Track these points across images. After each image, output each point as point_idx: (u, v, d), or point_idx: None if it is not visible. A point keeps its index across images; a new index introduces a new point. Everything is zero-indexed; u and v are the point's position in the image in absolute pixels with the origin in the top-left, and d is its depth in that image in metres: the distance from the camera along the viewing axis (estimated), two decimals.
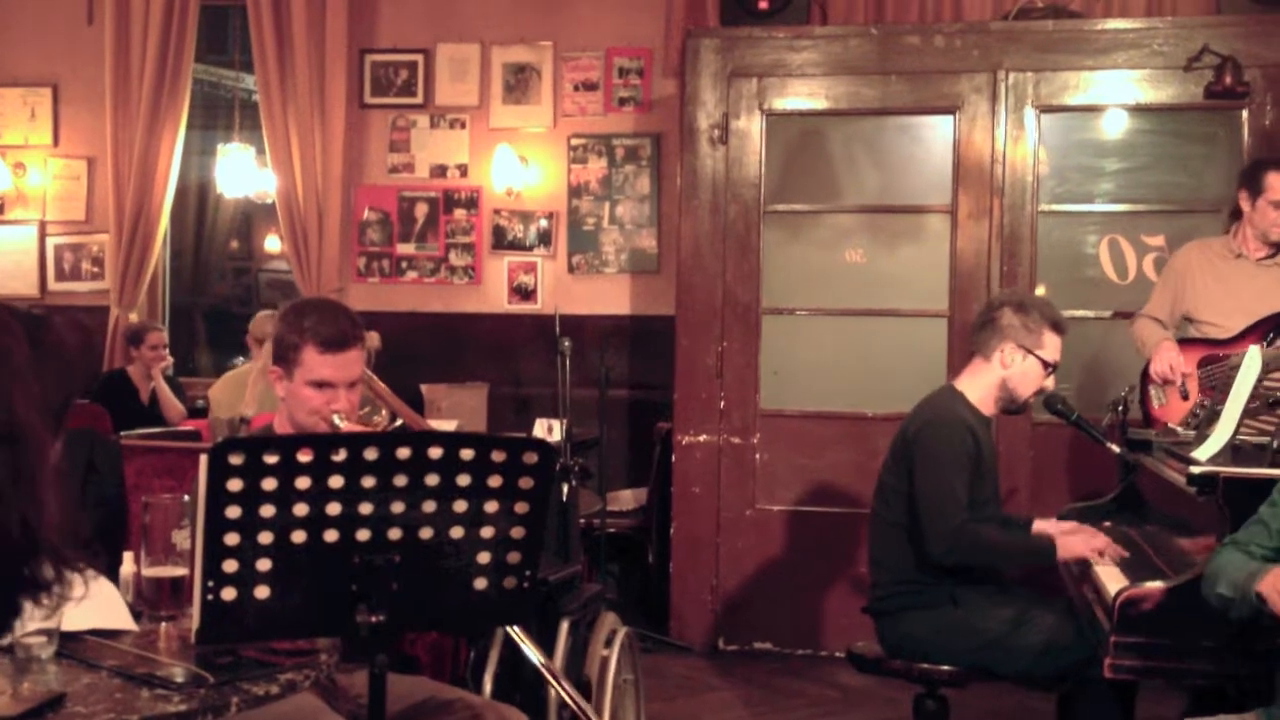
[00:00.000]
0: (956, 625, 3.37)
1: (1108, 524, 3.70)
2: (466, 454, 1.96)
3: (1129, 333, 4.59)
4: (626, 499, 6.26)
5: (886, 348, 5.57)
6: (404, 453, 1.91)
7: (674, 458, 5.63)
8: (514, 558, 2.02)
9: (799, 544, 5.54)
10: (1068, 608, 3.36)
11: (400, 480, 1.92)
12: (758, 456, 5.59)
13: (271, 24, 6.75)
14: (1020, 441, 5.36)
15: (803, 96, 5.56)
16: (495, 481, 1.97)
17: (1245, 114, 5.20)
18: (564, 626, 2.98)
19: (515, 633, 2.64)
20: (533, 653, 2.64)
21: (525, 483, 1.99)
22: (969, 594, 3.40)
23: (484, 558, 2.00)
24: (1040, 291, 5.31)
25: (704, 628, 5.59)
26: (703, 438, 5.60)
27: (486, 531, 1.99)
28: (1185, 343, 4.35)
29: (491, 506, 1.98)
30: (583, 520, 5.77)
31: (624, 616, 3.54)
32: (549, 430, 5.73)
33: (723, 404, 5.60)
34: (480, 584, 2.02)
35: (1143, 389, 4.37)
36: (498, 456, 1.97)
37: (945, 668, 3.39)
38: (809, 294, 5.66)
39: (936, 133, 5.51)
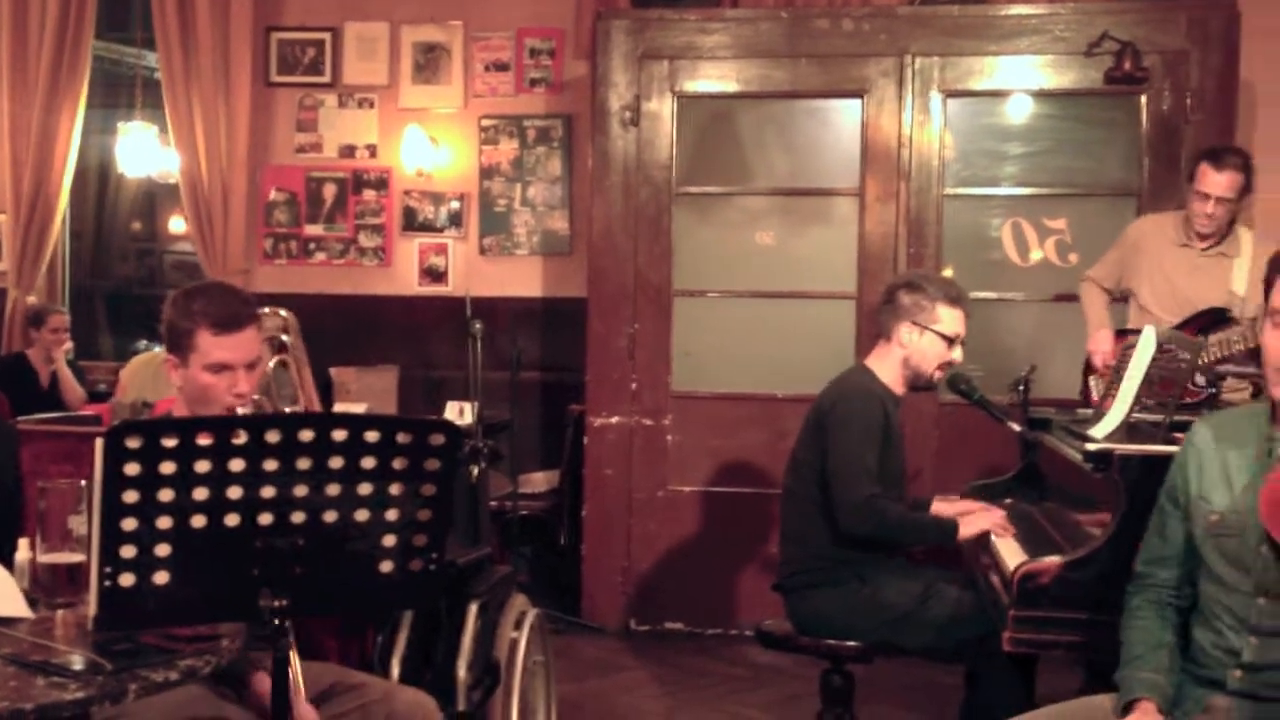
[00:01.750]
0: (863, 602, 3.42)
1: (1009, 500, 3.77)
2: (371, 436, 1.94)
3: (1079, 292, 4.67)
4: (539, 481, 6.25)
5: (796, 329, 5.62)
6: (307, 435, 1.90)
7: (586, 439, 5.64)
8: (420, 540, 2.02)
9: (710, 524, 5.58)
10: (971, 583, 3.43)
11: (303, 463, 1.90)
12: (669, 438, 5.62)
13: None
14: (926, 421, 5.44)
15: (714, 79, 5.58)
16: (400, 463, 1.96)
17: (1144, 99, 5.31)
18: (472, 609, 2.97)
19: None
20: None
21: (431, 464, 1.98)
22: (876, 571, 3.46)
23: (389, 541, 1.99)
24: (948, 273, 5.40)
25: (616, 609, 5.61)
26: (615, 419, 5.61)
27: (391, 514, 1.98)
28: (1124, 334, 4.43)
29: (396, 489, 1.97)
30: (494, 503, 5.78)
31: (536, 598, 3.55)
32: (460, 413, 5.71)
33: (634, 386, 5.61)
34: (386, 567, 2.01)
35: (1085, 377, 4.46)
36: (403, 438, 1.96)
37: (852, 643, 3.45)
38: (720, 276, 5.70)
39: (845, 116, 5.57)
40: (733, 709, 4.53)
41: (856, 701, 3.59)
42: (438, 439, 1.97)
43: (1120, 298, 4.62)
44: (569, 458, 5.99)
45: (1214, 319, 4.11)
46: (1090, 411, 3.61)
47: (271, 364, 3.62)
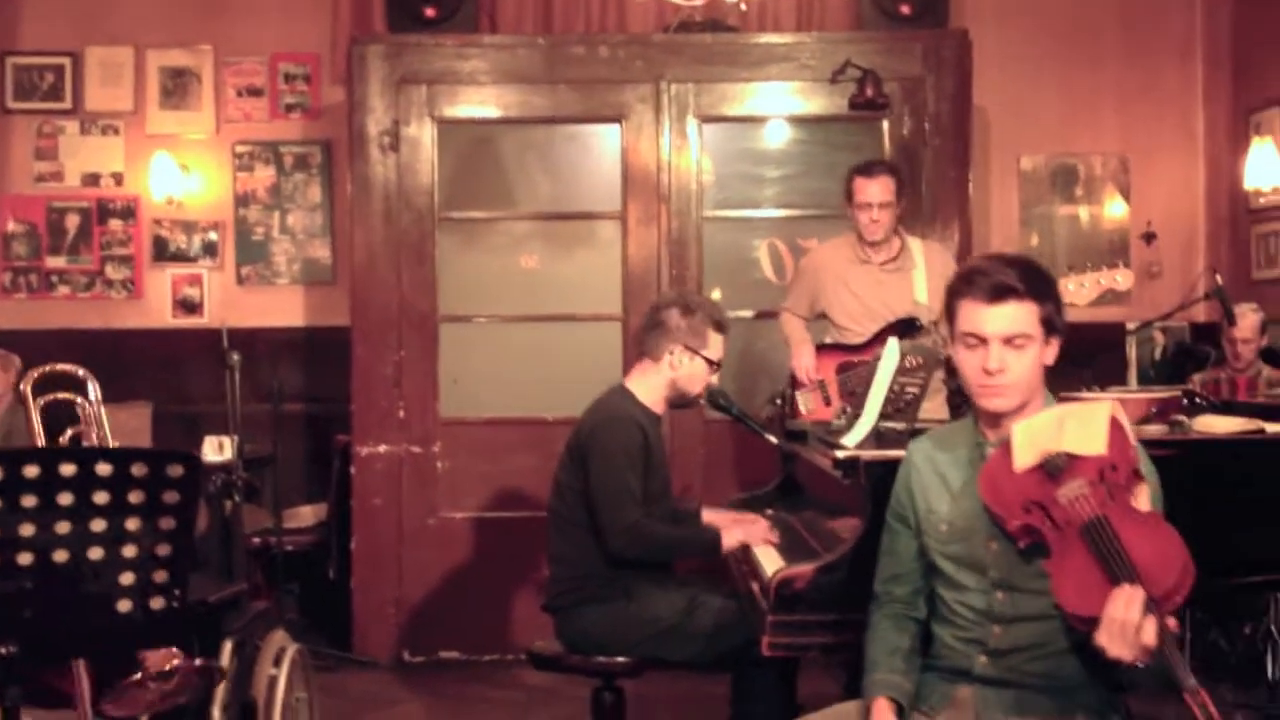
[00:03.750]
0: (630, 616, 3.46)
1: (770, 511, 3.88)
2: (103, 469, 1.86)
3: (778, 327, 4.85)
4: (306, 515, 6.08)
5: (563, 352, 5.66)
6: (31, 471, 1.81)
7: (353, 470, 5.53)
8: (160, 577, 1.94)
9: (483, 550, 5.55)
10: (734, 593, 3.50)
11: (29, 501, 1.81)
12: (439, 465, 5.56)
13: None
14: (693, 438, 5.55)
15: (474, 104, 5.58)
16: (137, 497, 1.89)
17: (886, 125, 5.57)
18: (227, 647, 2.87)
19: None
20: None
21: (170, 497, 1.91)
22: (642, 585, 3.50)
23: (127, 579, 1.91)
24: (716, 295, 5.52)
25: (388, 641, 5.51)
26: (382, 448, 5.52)
27: (129, 550, 1.91)
28: (824, 349, 4.63)
29: (133, 524, 1.90)
30: (257, 539, 5.60)
31: (306, 636, 3.46)
32: (219, 448, 5.51)
33: (402, 413, 5.54)
34: (124, 606, 1.93)
35: (790, 394, 4.62)
36: (138, 470, 1.89)
37: (621, 659, 3.48)
38: (486, 301, 5.69)
39: (605, 141, 5.65)
40: None
41: (628, 717, 3.62)
42: (176, 470, 1.90)
43: (817, 320, 4.82)
44: (336, 490, 5.85)
45: (906, 327, 4.35)
46: (843, 423, 3.74)
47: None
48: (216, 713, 2.66)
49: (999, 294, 2.40)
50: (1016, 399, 2.44)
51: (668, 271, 5.56)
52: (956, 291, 2.47)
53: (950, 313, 2.48)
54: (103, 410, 2.91)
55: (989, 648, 2.43)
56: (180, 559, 1.95)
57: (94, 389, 2.90)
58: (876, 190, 4.55)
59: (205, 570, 3.68)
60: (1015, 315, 2.40)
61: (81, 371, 3.08)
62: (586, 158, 5.71)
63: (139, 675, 2.27)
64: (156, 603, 1.95)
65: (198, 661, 2.41)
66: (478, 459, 5.58)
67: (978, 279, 2.43)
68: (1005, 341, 2.41)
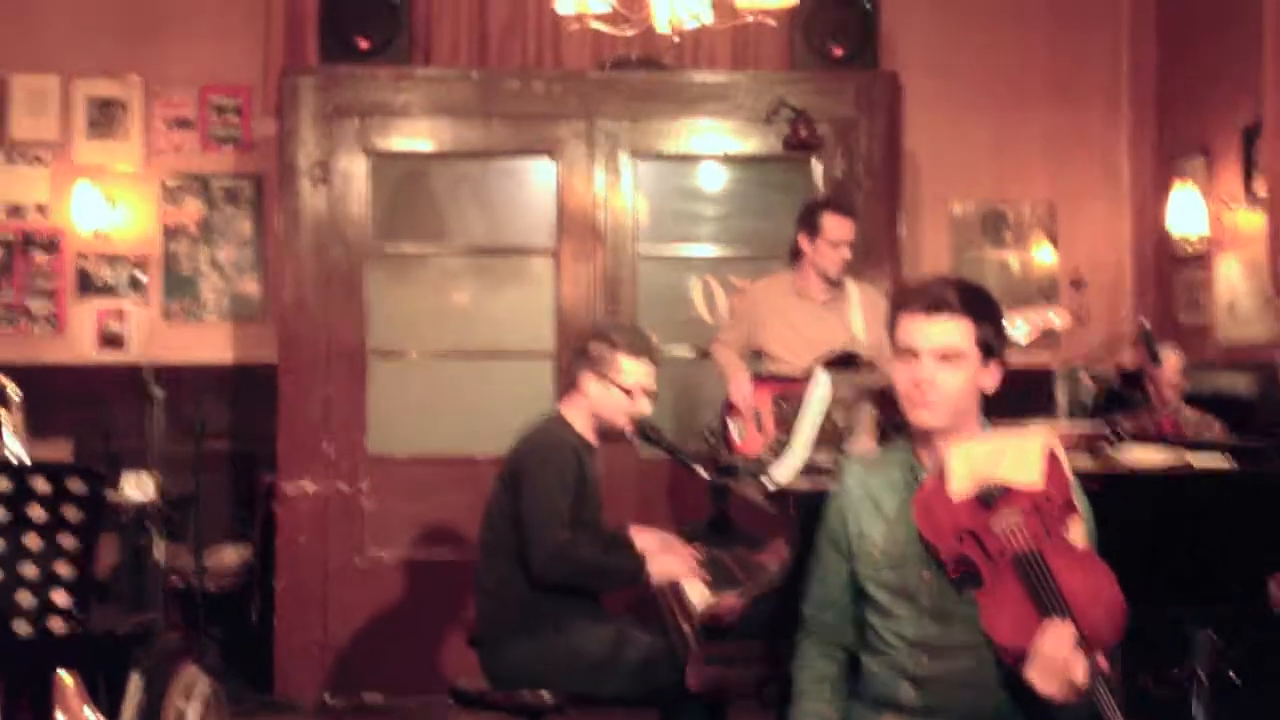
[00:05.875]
0: (558, 650, 3.41)
1: (698, 543, 3.83)
2: (2, 484, 1.79)
3: (713, 358, 4.83)
4: (229, 556, 5.93)
5: (495, 389, 5.60)
6: None
7: (278, 509, 5.42)
8: (61, 598, 1.86)
9: (411, 590, 5.45)
10: (664, 629, 3.46)
11: None
12: (366, 503, 5.47)
13: None
14: (628, 476, 5.50)
15: (407, 137, 5.54)
16: (37, 513, 1.81)
17: (818, 164, 5.59)
18: (135, 679, 2.77)
19: None
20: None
21: (72, 514, 1.84)
22: (570, 618, 3.45)
23: (25, 599, 1.83)
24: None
25: (312, 684, 5.38)
26: (309, 486, 5.42)
27: (28, 570, 1.83)
28: (761, 379, 4.62)
29: (33, 541, 1.82)
30: (178, 579, 5.46)
31: (227, 678, 3.36)
32: (138, 485, 5.36)
33: (329, 451, 5.44)
34: (21, 628, 1.84)
35: (724, 423, 4.60)
36: (40, 486, 1.81)
37: (547, 695, 3.41)
38: (417, 336, 5.63)
39: (539, 176, 5.63)
40: None
41: None
42: (78, 486, 1.83)
43: (751, 357, 4.82)
44: (261, 530, 5.73)
45: (844, 361, 4.36)
46: (773, 458, 3.72)
47: None
48: None
49: (935, 308, 2.41)
50: (944, 415, 2.43)
51: (602, 308, 5.54)
52: (897, 304, 2.49)
53: (891, 326, 2.49)
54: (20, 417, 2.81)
55: (916, 677, 2.41)
56: (83, 581, 1.87)
57: (14, 393, 2.80)
58: (848, 228, 4.59)
59: (116, 603, 3.57)
60: (950, 330, 2.41)
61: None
62: (520, 193, 5.69)
63: None
64: (56, 625, 1.87)
65: None
66: (406, 498, 5.49)
67: (918, 293, 2.44)
68: (939, 356, 2.41)
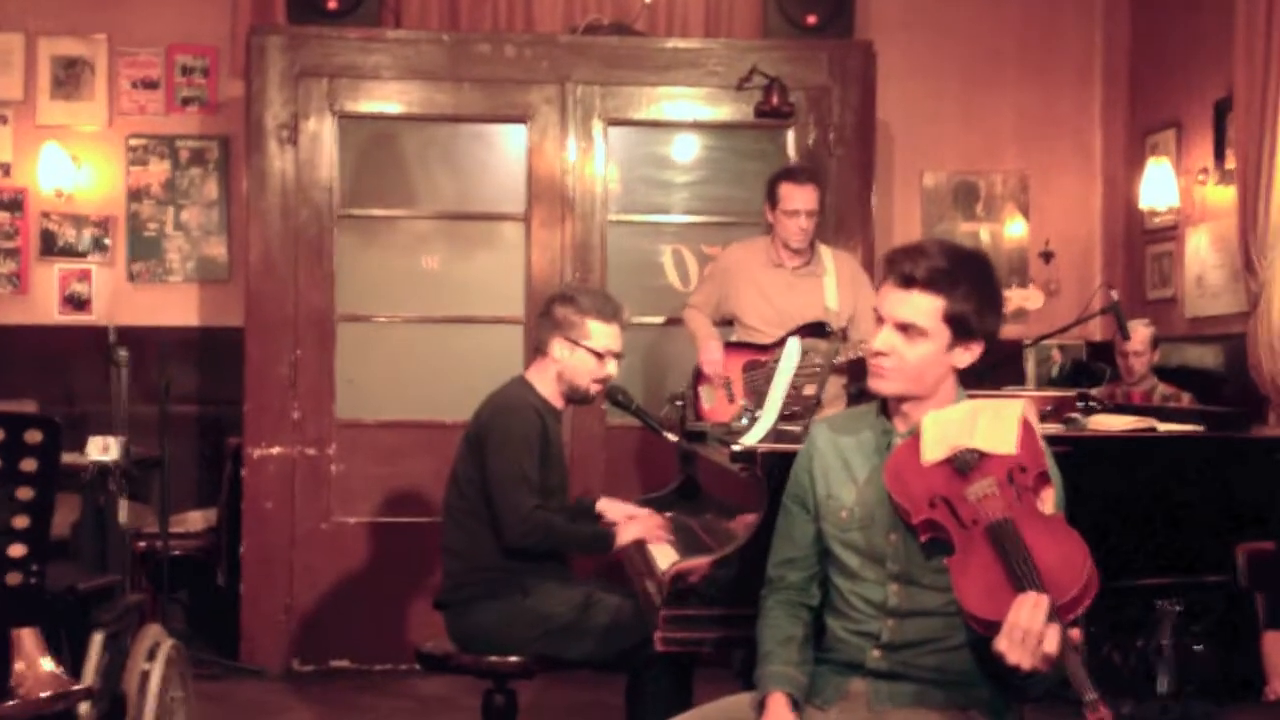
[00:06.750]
0: (525, 612, 3.39)
1: (669, 514, 3.83)
2: None
3: (684, 323, 4.81)
4: (195, 520, 5.89)
5: (464, 354, 5.57)
6: None
7: (244, 472, 5.38)
8: (17, 551, 1.83)
9: (378, 555, 5.42)
10: (630, 591, 3.45)
11: None
12: (334, 468, 5.43)
13: None
14: (594, 443, 5.49)
15: (376, 99, 5.48)
16: None
17: (791, 133, 5.58)
18: (97, 639, 2.73)
19: None
20: None
21: (28, 464, 1.81)
22: (538, 581, 3.44)
23: None
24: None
25: (278, 649, 5.35)
26: (275, 450, 5.38)
27: None
28: (731, 346, 4.60)
29: None
30: (144, 544, 5.42)
31: (193, 643, 3.33)
32: (104, 448, 5.29)
33: (297, 415, 5.40)
34: None
35: (694, 390, 4.59)
36: None
37: (513, 658, 3.39)
38: (386, 301, 5.58)
39: (510, 141, 5.58)
40: None
41: None
42: (34, 436, 1.80)
43: (721, 323, 4.79)
44: (227, 493, 5.69)
45: (814, 332, 4.35)
46: (744, 423, 3.71)
47: None
48: (84, 708, 2.53)
49: (904, 282, 2.40)
50: (897, 385, 2.43)
51: (571, 275, 5.51)
52: (884, 269, 2.47)
53: (878, 287, 2.49)
54: None
55: (881, 641, 2.41)
56: (39, 534, 1.84)
57: None
58: (805, 197, 4.55)
59: (78, 561, 3.52)
60: (917, 305, 2.39)
61: None
62: (490, 158, 5.64)
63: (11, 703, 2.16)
64: (13, 578, 1.84)
65: (75, 686, 2.30)
66: (373, 462, 5.46)
67: (898, 261, 2.42)
68: (900, 328, 2.40)
